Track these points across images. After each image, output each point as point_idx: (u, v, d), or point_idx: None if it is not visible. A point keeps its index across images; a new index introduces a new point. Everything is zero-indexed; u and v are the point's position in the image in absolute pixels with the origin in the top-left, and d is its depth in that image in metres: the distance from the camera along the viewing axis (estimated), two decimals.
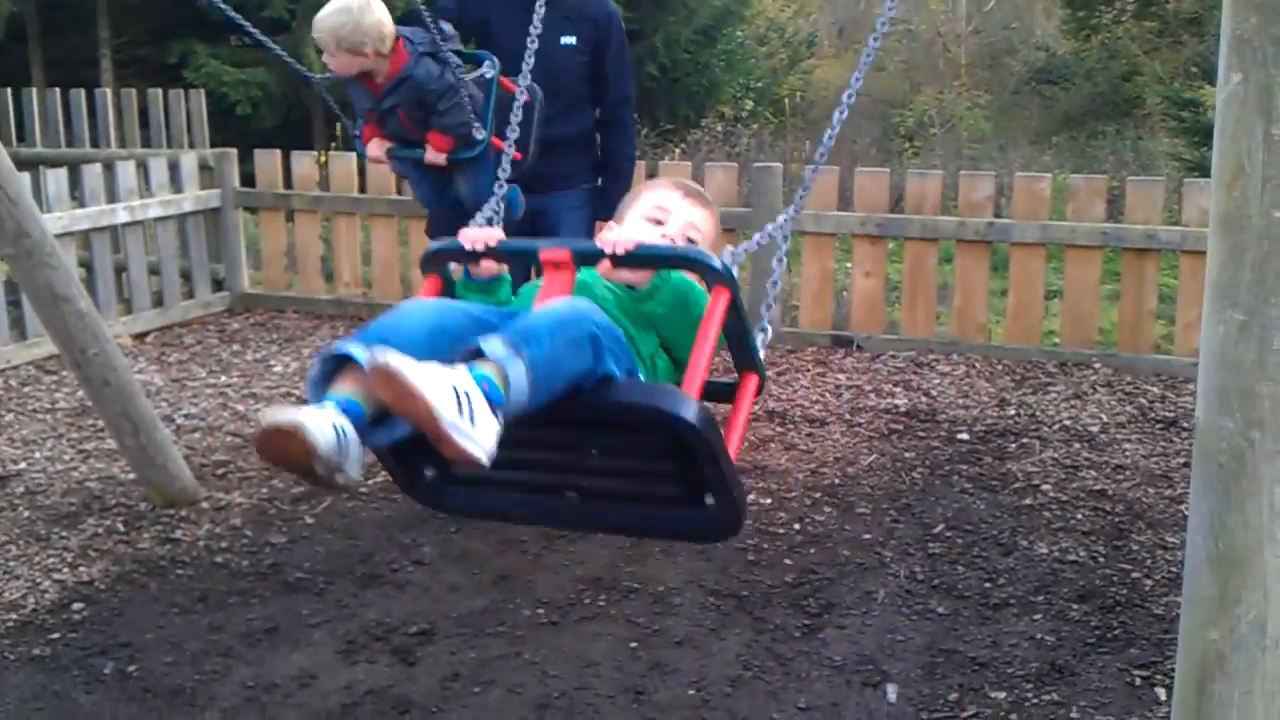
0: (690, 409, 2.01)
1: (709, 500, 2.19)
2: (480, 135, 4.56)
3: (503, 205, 2.76)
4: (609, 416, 2.09)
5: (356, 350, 1.97)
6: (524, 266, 4.46)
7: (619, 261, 2.17)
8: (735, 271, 2.19)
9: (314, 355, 1.84)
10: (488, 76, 4.61)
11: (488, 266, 2.39)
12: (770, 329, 2.46)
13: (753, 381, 2.35)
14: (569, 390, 2.00)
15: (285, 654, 3.86)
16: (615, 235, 2.32)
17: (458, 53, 4.57)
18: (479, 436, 1.82)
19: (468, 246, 2.30)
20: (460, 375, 1.85)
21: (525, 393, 1.90)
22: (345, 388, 1.98)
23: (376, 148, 4.72)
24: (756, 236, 2.42)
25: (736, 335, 2.24)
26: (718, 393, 2.36)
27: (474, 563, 4.47)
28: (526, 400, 1.91)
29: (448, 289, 2.41)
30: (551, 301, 2.10)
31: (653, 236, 2.54)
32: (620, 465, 2.24)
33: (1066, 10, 20.72)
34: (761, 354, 2.35)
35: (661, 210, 2.62)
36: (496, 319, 2.16)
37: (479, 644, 3.91)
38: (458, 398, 1.81)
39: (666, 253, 2.34)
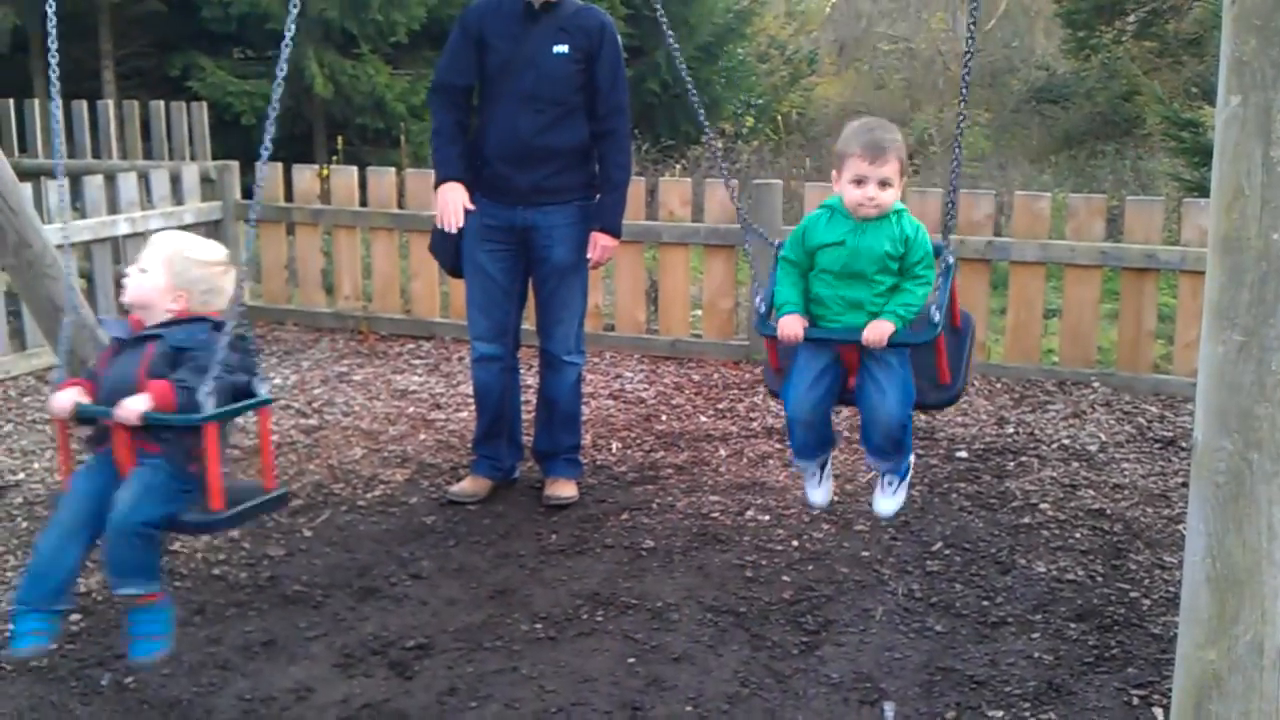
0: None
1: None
2: (207, 408, 3.17)
3: None
4: None
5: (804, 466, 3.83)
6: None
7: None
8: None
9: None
10: (260, 392, 3.39)
11: None
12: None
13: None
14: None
15: (282, 667, 3.86)
16: (874, 335, 3.49)
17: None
18: None
19: (780, 338, 3.64)
20: None
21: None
22: None
23: (68, 397, 3.36)
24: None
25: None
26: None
27: (471, 577, 4.47)
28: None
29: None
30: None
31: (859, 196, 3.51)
32: None
33: (1067, 30, 20.77)
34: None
35: (854, 182, 3.51)
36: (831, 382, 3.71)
37: (476, 658, 3.91)
38: None
39: (906, 337, 3.53)
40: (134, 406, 3.19)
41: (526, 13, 4.80)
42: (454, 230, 4.87)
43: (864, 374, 3.63)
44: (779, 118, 18.14)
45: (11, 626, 3.30)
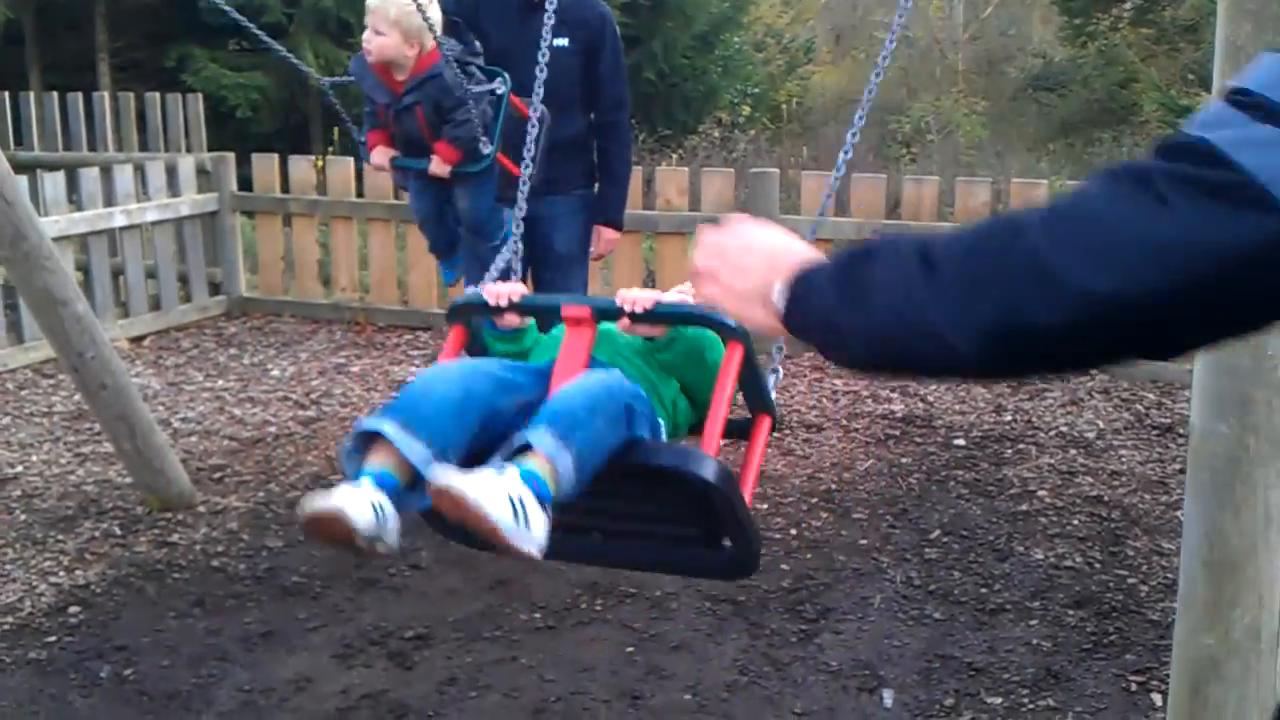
0: (709, 468, 2.07)
1: (726, 543, 2.26)
2: (487, 150, 4.46)
3: (510, 240, 2.86)
4: (636, 474, 2.15)
5: (388, 428, 2.03)
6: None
7: (637, 319, 2.23)
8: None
9: (346, 436, 1.92)
10: (498, 93, 4.54)
11: (510, 320, 2.40)
12: (781, 370, 2.53)
13: (766, 422, 2.40)
14: (607, 462, 2.06)
15: (282, 658, 3.87)
16: (634, 294, 2.29)
17: (478, 68, 4.55)
18: (534, 535, 1.93)
19: (491, 301, 2.33)
20: (512, 482, 1.93)
21: (572, 481, 1.98)
22: (378, 460, 2.04)
23: (381, 155, 4.59)
24: None
25: (751, 384, 2.28)
26: (733, 430, 2.39)
27: (471, 567, 4.47)
28: (573, 487, 1.99)
29: (473, 337, 2.43)
30: (584, 376, 2.15)
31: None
32: (643, 512, 2.30)
33: (1063, 17, 20.74)
34: (773, 395, 2.40)
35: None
36: (523, 378, 2.23)
37: (475, 648, 3.91)
38: (513, 506, 1.90)
39: (682, 311, 2.33)
40: (440, 170, 4.50)
41: (524, 3, 4.78)
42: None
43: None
44: (778, 107, 18.12)
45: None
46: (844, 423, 5.91)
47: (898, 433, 5.77)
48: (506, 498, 1.89)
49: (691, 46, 16.02)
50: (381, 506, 1.98)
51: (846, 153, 2.68)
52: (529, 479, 1.94)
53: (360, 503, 1.96)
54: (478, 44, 4.53)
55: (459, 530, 2.04)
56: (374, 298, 7.94)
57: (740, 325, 2.11)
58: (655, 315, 2.25)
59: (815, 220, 2.82)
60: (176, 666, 3.82)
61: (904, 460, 5.43)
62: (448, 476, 1.90)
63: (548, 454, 1.96)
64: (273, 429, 5.92)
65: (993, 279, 1.15)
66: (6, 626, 4.06)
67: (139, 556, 4.55)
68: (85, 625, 4.07)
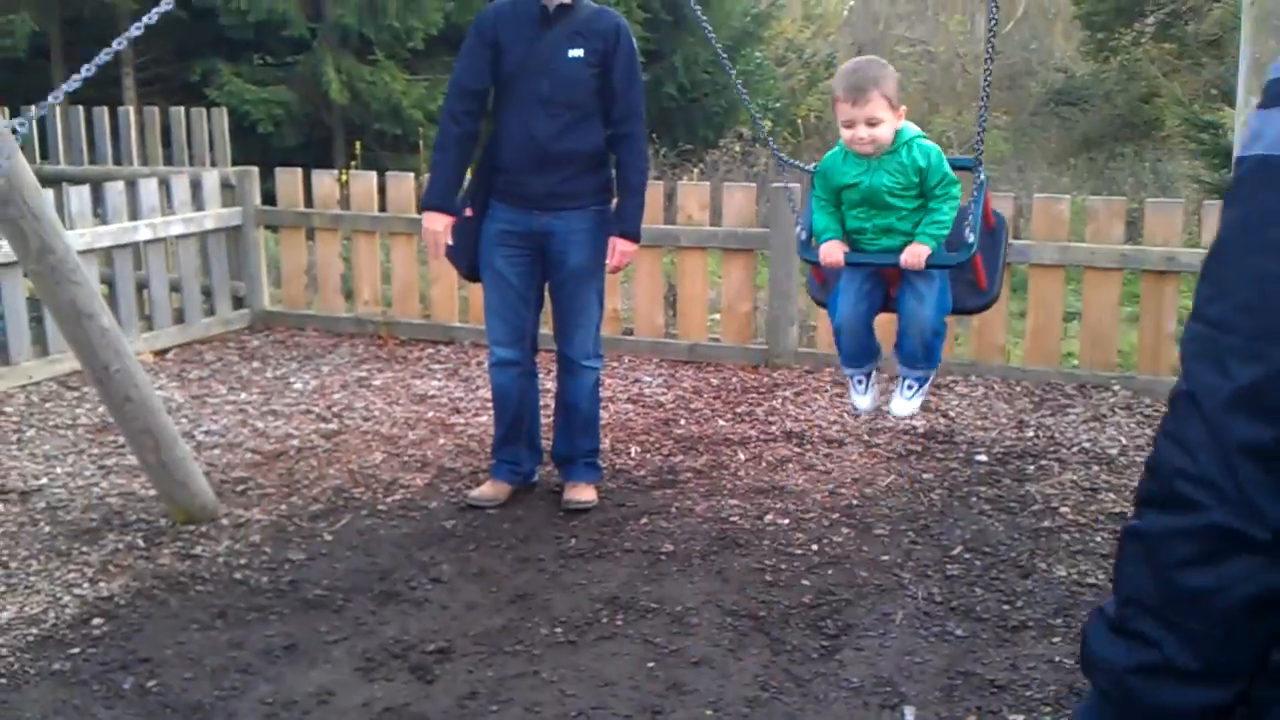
0: None
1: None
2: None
3: None
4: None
5: (855, 372, 4.45)
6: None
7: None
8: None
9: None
10: (980, 180, 4.07)
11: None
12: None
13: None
14: None
15: (304, 671, 3.87)
16: (911, 257, 3.85)
17: None
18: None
19: (821, 261, 4.03)
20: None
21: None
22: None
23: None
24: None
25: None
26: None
27: (491, 581, 4.47)
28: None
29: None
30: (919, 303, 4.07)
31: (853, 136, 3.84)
32: None
33: (1085, 32, 20.75)
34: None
35: (845, 125, 3.83)
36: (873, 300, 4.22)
37: (496, 662, 3.91)
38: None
39: (944, 258, 3.88)
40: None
41: (541, 16, 4.80)
42: (435, 259, 5.10)
43: (904, 285, 4.02)
44: (797, 121, 18.13)
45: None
46: (865, 438, 5.90)
47: (919, 448, 5.76)
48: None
49: (713, 61, 16.08)
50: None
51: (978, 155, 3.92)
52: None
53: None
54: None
55: None
56: (396, 311, 7.97)
57: (974, 245, 3.88)
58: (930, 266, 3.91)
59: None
60: (199, 679, 3.83)
61: (926, 476, 5.42)
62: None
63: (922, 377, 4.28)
64: (295, 442, 5.94)
65: None
66: (31, 638, 4.08)
67: (162, 569, 4.57)
68: (109, 637, 4.08)
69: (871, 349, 4.25)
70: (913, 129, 3.92)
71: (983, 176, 3.86)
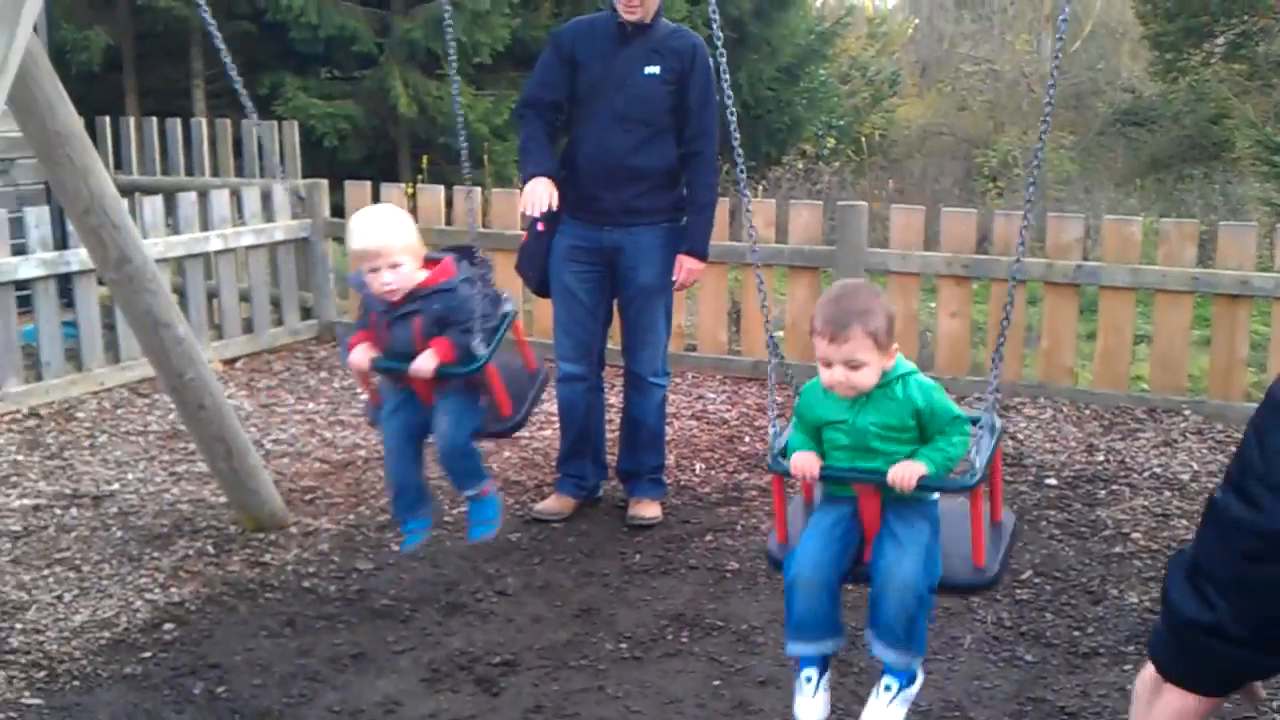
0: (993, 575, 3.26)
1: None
2: (481, 352, 3.95)
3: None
4: None
5: (799, 649, 3.21)
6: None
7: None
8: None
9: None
10: (505, 311, 4.17)
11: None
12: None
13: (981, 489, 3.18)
14: None
15: (371, 680, 3.90)
16: (901, 472, 3.04)
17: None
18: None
19: (795, 475, 3.19)
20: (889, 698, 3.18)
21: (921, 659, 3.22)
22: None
23: (362, 354, 4.02)
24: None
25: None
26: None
27: (556, 595, 4.48)
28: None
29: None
30: (893, 575, 3.10)
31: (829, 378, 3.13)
32: None
33: (1154, 52, 20.52)
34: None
35: (822, 362, 3.12)
36: (845, 531, 3.21)
37: (562, 676, 3.92)
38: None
39: (939, 484, 3.13)
40: (426, 365, 3.91)
41: (619, 33, 4.82)
42: (536, 214, 4.81)
43: (883, 533, 3.15)
44: (861, 139, 18.08)
45: (401, 535, 4.29)
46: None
47: None
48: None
49: (776, 79, 16.07)
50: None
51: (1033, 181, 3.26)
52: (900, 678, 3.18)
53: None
54: (488, 259, 4.33)
55: None
56: None
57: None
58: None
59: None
60: (268, 685, 3.86)
61: None
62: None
63: (902, 666, 3.15)
64: (362, 453, 5.98)
65: None
66: (104, 641, 4.13)
67: (232, 575, 4.62)
68: (179, 642, 4.13)
69: (830, 621, 3.16)
70: (906, 364, 3.20)
71: (997, 423, 3.31)
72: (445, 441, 4.04)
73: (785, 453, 3.26)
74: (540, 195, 4.75)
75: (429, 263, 4.06)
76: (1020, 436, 6.19)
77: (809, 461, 3.15)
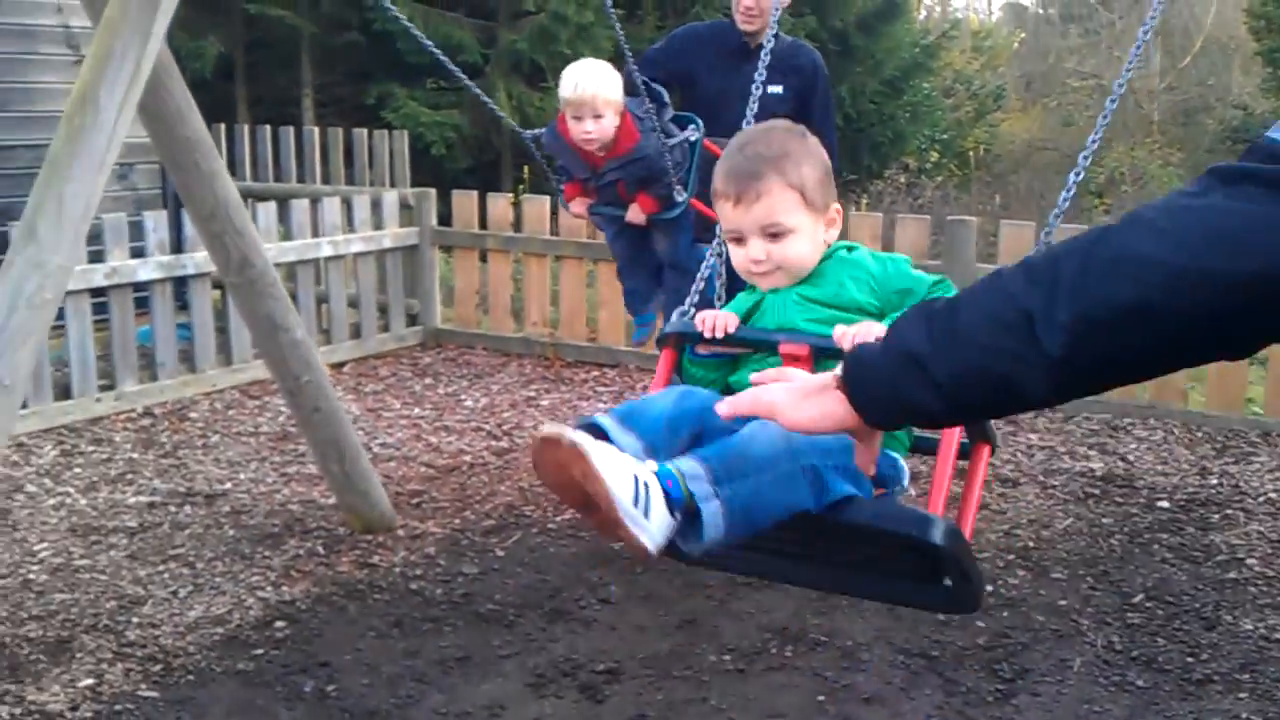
0: (939, 532, 1.95)
1: (947, 583, 2.12)
2: (681, 198, 4.60)
3: (710, 272, 2.73)
4: (853, 532, 2.03)
5: (606, 421, 1.97)
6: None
7: None
8: None
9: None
10: (692, 140, 4.67)
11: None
12: None
13: (985, 451, 2.29)
14: (786, 518, 1.92)
15: (476, 683, 3.93)
16: (852, 330, 2.08)
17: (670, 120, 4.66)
18: (651, 528, 1.79)
19: (705, 332, 2.20)
20: (645, 470, 1.82)
21: (719, 527, 1.86)
22: None
23: (580, 205, 4.79)
24: None
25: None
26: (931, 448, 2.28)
27: (660, 604, 4.49)
28: (721, 534, 1.87)
29: (678, 364, 2.34)
30: (768, 426, 1.77)
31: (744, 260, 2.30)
32: (865, 553, 2.19)
33: (1267, 69, 20.05)
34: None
35: (731, 239, 2.32)
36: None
37: (665, 686, 3.92)
38: (637, 490, 1.78)
39: None
40: (638, 218, 4.65)
41: (742, 49, 4.84)
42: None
43: None
44: (965, 153, 17.91)
45: (636, 326, 5.33)
46: (1041, 479, 5.77)
47: (1098, 491, 5.61)
48: (633, 478, 1.77)
49: (880, 92, 15.97)
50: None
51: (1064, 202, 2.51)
52: (664, 477, 1.82)
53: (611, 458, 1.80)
54: (664, 93, 4.62)
55: (574, 493, 1.81)
56: (563, 333, 8.06)
57: None
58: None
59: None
60: (376, 685, 3.91)
61: (1105, 520, 5.27)
62: (580, 434, 1.77)
63: (695, 494, 1.84)
64: (467, 458, 6.05)
65: (1078, 274, 1.25)
66: (217, 637, 4.22)
67: (341, 576, 4.69)
68: (290, 640, 4.20)
69: (657, 446, 2.02)
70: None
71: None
72: (670, 253, 4.78)
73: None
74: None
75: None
76: (1130, 458, 6.08)
77: (724, 316, 2.26)
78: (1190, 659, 4.10)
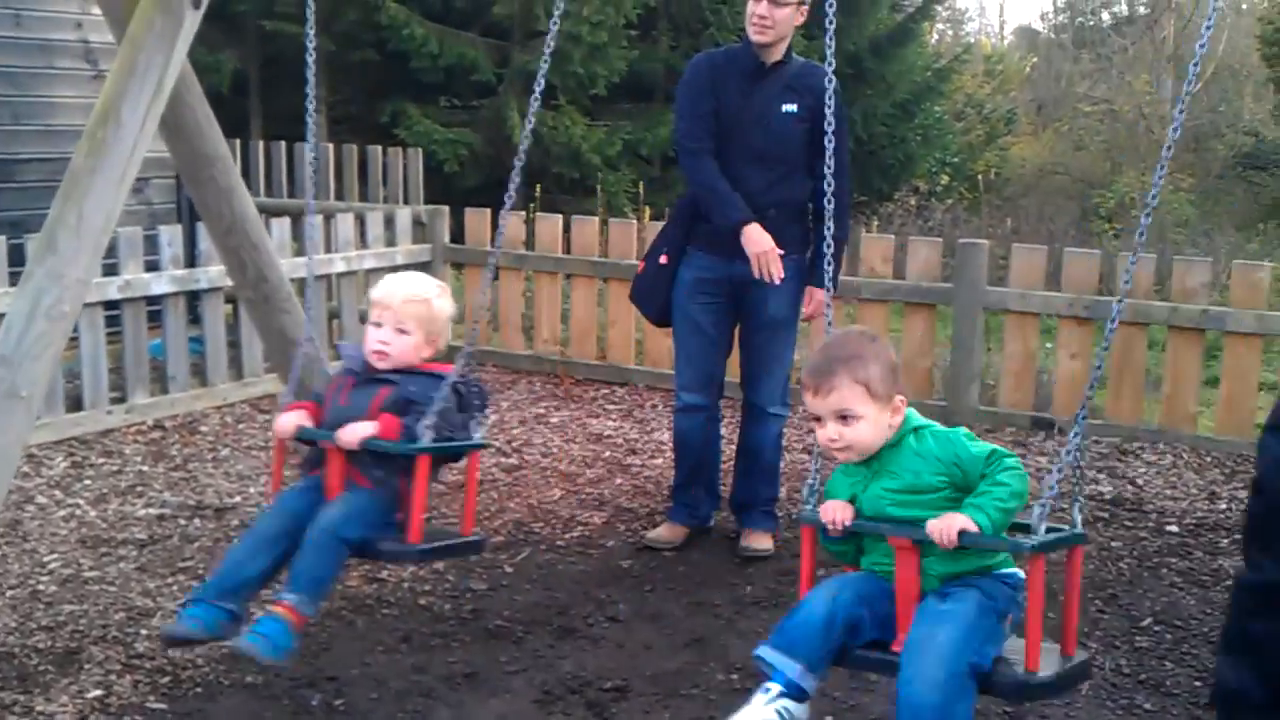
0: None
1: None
2: (423, 439, 3.49)
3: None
4: None
5: (768, 654, 2.91)
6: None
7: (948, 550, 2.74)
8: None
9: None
10: (475, 437, 3.79)
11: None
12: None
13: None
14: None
15: (484, 699, 3.93)
16: (939, 524, 2.71)
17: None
18: None
19: (827, 526, 2.91)
20: None
21: None
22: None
23: (292, 419, 3.73)
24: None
25: None
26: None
27: (667, 623, 4.49)
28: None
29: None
30: (931, 640, 2.69)
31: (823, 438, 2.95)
32: None
33: (1278, 95, 20.09)
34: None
35: (814, 422, 2.97)
36: (877, 589, 2.88)
37: (673, 705, 3.92)
38: None
39: (989, 541, 2.74)
40: (357, 432, 3.47)
41: (755, 69, 4.86)
42: (777, 282, 4.82)
43: (921, 608, 2.80)
44: (975, 177, 17.94)
45: (180, 609, 3.67)
46: (1050, 502, 5.76)
47: (1107, 515, 5.61)
48: None
49: (891, 114, 16.02)
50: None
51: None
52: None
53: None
54: (484, 390, 3.95)
55: None
56: (573, 351, 8.09)
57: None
58: (964, 542, 2.69)
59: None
60: (384, 700, 3.92)
61: (1114, 544, 5.27)
62: None
63: None
64: (477, 475, 6.04)
65: None
66: (225, 650, 4.21)
67: (350, 590, 4.70)
68: (298, 654, 4.19)
69: (818, 655, 2.87)
70: (920, 418, 2.95)
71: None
72: (326, 523, 3.45)
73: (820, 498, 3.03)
74: (771, 255, 4.77)
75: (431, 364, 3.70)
76: (1139, 481, 6.08)
77: (841, 509, 2.88)
78: (1198, 683, 4.09)
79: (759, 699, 2.81)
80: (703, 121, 4.91)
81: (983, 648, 2.70)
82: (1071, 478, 2.86)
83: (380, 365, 3.68)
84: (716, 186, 4.86)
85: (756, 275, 4.80)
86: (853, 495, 2.93)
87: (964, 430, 2.89)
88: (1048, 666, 2.77)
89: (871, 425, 2.84)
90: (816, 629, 2.81)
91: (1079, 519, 2.90)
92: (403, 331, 3.65)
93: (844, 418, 2.84)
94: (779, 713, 2.72)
